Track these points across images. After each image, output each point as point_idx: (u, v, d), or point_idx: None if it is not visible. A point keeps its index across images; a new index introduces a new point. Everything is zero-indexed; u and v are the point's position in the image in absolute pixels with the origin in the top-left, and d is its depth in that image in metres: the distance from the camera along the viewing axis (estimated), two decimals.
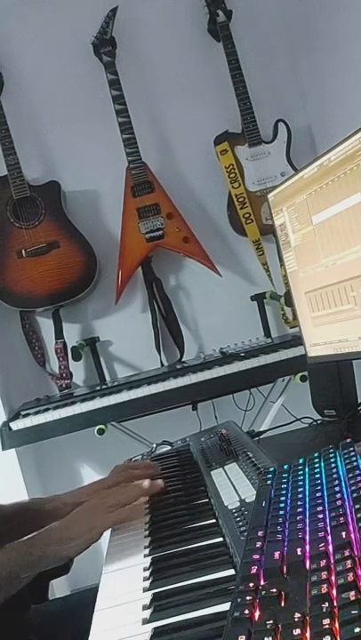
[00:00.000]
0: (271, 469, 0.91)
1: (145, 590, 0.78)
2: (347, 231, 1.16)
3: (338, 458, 0.86)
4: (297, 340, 1.83)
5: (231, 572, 0.75)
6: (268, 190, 1.73)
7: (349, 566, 0.55)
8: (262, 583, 0.59)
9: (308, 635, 0.49)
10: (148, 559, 0.87)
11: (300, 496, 0.78)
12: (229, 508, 0.90)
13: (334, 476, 0.80)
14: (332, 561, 0.59)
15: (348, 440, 0.90)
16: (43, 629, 1.17)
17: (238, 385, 2.33)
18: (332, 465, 0.84)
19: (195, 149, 2.66)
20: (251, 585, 0.59)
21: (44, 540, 0.98)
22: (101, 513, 1.01)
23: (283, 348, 2.27)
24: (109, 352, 2.73)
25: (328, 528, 0.66)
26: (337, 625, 0.48)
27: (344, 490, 0.75)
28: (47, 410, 2.26)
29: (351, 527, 0.64)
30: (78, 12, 2.59)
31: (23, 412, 2.31)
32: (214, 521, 0.93)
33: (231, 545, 0.79)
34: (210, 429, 1.45)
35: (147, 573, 0.83)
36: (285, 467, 0.90)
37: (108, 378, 2.68)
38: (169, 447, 1.48)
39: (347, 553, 0.58)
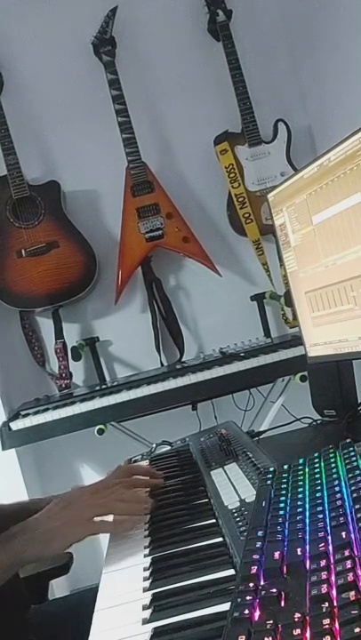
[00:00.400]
0: (271, 469, 0.91)
1: (145, 590, 0.78)
2: (347, 231, 1.16)
3: (338, 458, 0.86)
4: (297, 340, 1.83)
5: (231, 571, 0.75)
6: (268, 190, 1.72)
7: (349, 566, 0.55)
8: (262, 583, 0.59)
9: (308, 635, 0.49)
10: (148, 559, 0.87)
11: (300, 496, 0.78)
12: (229, 507, 0.89)
13: (334, 476, 0.80)
14: (332, 561, 0.58)
15: (348, 440, 0.90)
16: (43, 629, 1.17)
17: (238, 385, 2.33)
18: (332, 465, 0.84)
19: (195, 149, 2.66)
20: (251, 585, 0.59)
21: (22, 539, 0.95)
22: (83, 517, 0.97)
23: (283, 348, 2.27)
24: (109, 352, 2.73)
25: (328, 528, 0.66)
26: (337, 625, 0.48)
27: (344, 490, 0.75)
28: (47, 410, 2.26)
29: (351, 527, 0.64)
30: (78, 12, 2.59)
31: (23, 412, 2.31)
32: (214, 521, 0.93)
33: (231, 545, 0.79)
34: (210, 429, 1.45)
35: (147, 573, 0.83)
36: (285, 467, 0.90)
37: (107, 378, 2.68)
38: (169, 447, 1.48)
39: (347, 553, 0.58)
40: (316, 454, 0.91)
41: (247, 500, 0.90)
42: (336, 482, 0.78)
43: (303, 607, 0.53)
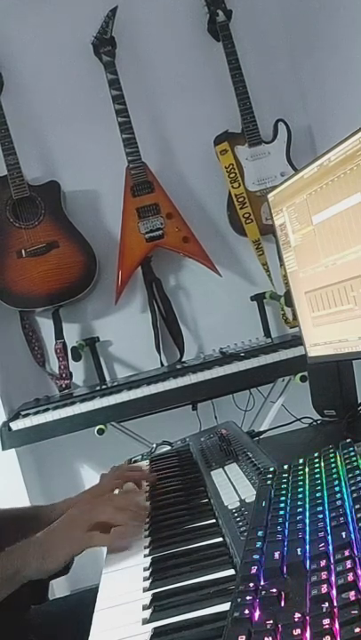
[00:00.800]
0: (271, 469, 0.91)
1: (145, 590, 0.78)
2: (347, 231, 1.16)
3: (338, 458, 0.86)
4: (297, 340, 1.83)
5: (231, 572, 0.75)
6: (268, 190, 1.72)
7: (349, 566, 0.55)
8: (262, 583, 0.59)
9: (308, 635, 0.49)
10: (148, 559, 0.87)
11: (300, 496, 0.78)
12: (229, 508, 0.90)
13: (334, 476, 0.80)
14: (332, 561, 0.59)
15: (348, 440, 0.90)
16: (43, 629, 1.17)
17: (238, 385, 2.33)
18: (332, 465, 0.84)
19: (195, 149, 2.66)
20: (251, 585, 0.59)
21: (22, 556, 0.96)
22: (80, 531, 0.97)
23: (283, 348, 2.27)
24: (109, 352, 2.73)
25: (328, 528, 0.66)
26: (337, 625, 0.48)
27: (344, 490, 0.75)
28: (47, 410, 2.26)
29: (351, 527, 0.64)
30: (78, 12, 2.59)
31: (23, 412, 2.31)
32: (214, 521, 0.93)
33: (231, 545, 0.79)
34: (210, 429, 1.45)
35: (147, 573, 0.83)
36: (285, 467, 0.90)
37: (107, 378, 2.68)
38: (169, 447, 1.48)
39: (347, 553, 0.58)
40: (316, 454, 0.91)
41: (247, 500, 0.90)
42: (336, 482, 0.78)
43: (303, 607, 0.53)
